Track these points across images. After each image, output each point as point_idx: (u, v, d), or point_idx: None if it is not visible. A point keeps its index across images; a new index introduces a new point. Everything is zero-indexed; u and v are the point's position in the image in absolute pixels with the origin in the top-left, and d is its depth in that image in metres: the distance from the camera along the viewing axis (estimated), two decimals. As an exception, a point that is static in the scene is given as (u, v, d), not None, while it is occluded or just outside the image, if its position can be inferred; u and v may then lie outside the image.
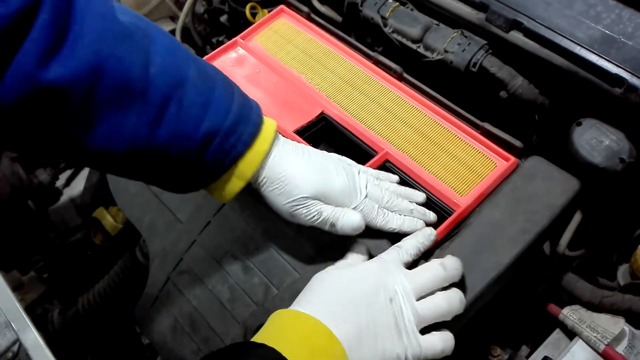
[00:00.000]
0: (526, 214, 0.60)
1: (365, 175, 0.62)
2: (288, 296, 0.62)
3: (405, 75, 0.77)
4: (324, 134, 0.76)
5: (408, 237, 0.59)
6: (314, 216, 0.58)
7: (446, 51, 0.76)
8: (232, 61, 0.83)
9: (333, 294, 0.51)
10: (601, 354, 0.59)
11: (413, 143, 0.71)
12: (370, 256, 0.59)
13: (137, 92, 0.49)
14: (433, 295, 0.53)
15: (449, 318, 0.53)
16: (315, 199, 0.58)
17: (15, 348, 0.66)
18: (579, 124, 0.71)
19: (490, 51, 0.75)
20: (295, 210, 0.58)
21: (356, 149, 0.72)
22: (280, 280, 0.64)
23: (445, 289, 0.54)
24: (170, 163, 0.54)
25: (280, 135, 0.61)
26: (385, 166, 0.70)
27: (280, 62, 0.82)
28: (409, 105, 0.75)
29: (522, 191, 0.62)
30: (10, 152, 0.99)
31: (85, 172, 1.18)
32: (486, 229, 0.60)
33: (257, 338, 0.48)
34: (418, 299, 0.53)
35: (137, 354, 0.90)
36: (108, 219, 0.96)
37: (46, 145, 0.51)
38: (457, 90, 0.78)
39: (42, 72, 0.44)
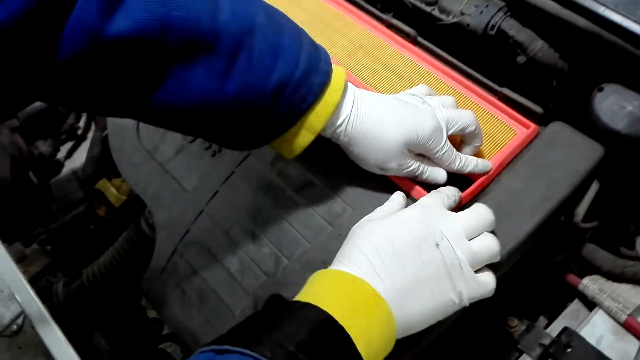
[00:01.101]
0: (547, 182, 0.57)
1: (445, 111, 0.59)
2: (299, 267, 0.60)
3: (419, 39, 0.74)
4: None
5: (443, 187, 0.57)
6: (404, 169, 0.57)
7: (462, 14, 0.72)
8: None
9: (374, 248, 0.49)
10: (623, 324, 0.58)
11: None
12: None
13: (206, 42, 0.47)
14: (483, 235, 0.51)
15: (498, 259, 0.51)
16: (407, 149, 0.56)
17: (20, 320, 0.65)
18: (601, 90, 0.68)
19: (509, 13, 0.71)
20: (387, 163, 0.56)
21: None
22: (291, 250, 0.62)
23: None
24: (238, 117, 0.52)
25: (351, 85, 0.58)
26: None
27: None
28: (423, 70, 0.72)
29: (543, 158, 0.59)
30: (10, 122, 0.97)
31: (86, 144, 1.16)
32: (505, 198, 0.58)
33: (300, 298, 0.46)
34: (470, 240, 0.50)
35: (143, 327, 0.89)
36: (111, 191, 0.94)
37: (108, 102, 0.49)
38: (473, 55, 0.75)
39: (107, 25, 0.42)
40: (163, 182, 0.72)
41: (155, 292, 0.70)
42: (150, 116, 0.51)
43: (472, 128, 0.59)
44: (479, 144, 0.61)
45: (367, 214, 0.58)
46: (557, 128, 0.61)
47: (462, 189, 0.59)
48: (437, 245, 0.49)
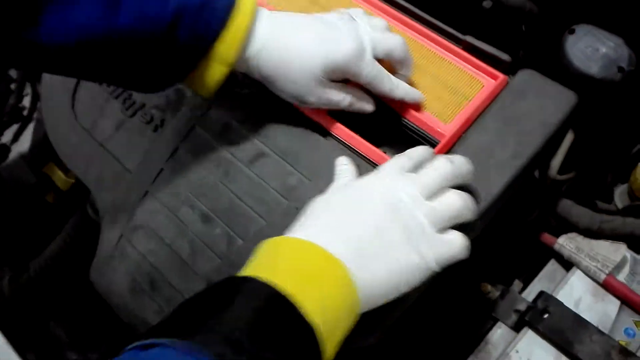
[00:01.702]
0: (517, 136, 0.52)
1: (372, 33, 0.54)
2: (255, 246, 0.55)
3: (374, -15, 0.67)
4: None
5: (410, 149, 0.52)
6: (324, 101, 0.53)
7: (421, -44, 0.66)
8: None
9: (327, 213, 0.45)
10: (602, 284, 0.54)
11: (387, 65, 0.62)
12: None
13: None
14: (446, 192, 0.46)
15: (465, 219, 0.46)
16: (326, 78, 0.51)
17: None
18: (572, 32, 0.63)
19: (471, -48, 0.65)
20: (305, 96, 0.52)
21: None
22: (245, 229, 0.56)
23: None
24: (136, 52, 0.46)
25: (264, 9, 0.52)
26: (357, 93, 0.61)
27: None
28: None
29: (512, 110, 0.54)
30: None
31: (32, 125, 1.08)
32: (473, 155, 0.52)
33: (245, 272, 0.41)
34: (429, 200, 0.46)
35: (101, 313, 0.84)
36: (59, 174, 0.87)
37: None
38: (431, 3, 0.68)
39: None
40: (104, 162, 0.66)
41: (104, 281, 0.65)
42: (36, 59, 0.45)
43: (399, 53, 0.54)
44: (408, 73, 0.56)
45: (326, 186, 0.54)
46: (526, 76, 0.56)
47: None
48: (395, 207, 0.44)
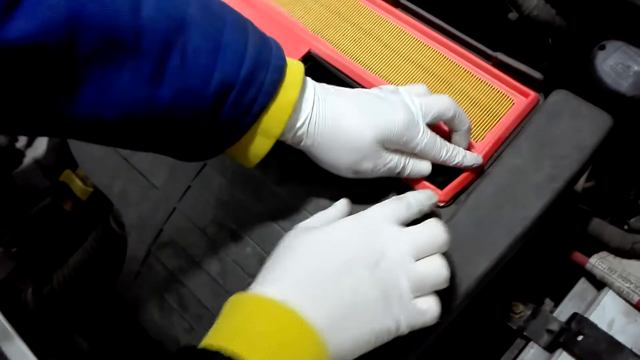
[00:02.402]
0: (553, 159, 0.52)
1: (417, 100, 0.52)
2: (286, 267, 0.55)
3: (402, 0, 0.66)
4: (314, 76, 0.66)
5: (410, 192, 0.49)
6: (380, 167, 0.50)
7: (449, -31, 0.65)
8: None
9: (303, 267, 0.42)
10: (635, 306, 0.54)
11: (418, 81, 0.62)
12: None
13: (127, 42, 0.39)
14: (432, 257, 0.44)
15: (444, 286, 0.44)
16: (380, 146, 0.49)
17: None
18: (602, 48, 0.62)
19: (500, -33, 0.64)
20: (360, 164, 0.49)
21: (351, 92, 0.63)
22: (276, 249, 0.56)
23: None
24: (177, 127, 0.45)
25: (309, 79, 0.51)
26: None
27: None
28: (408, 36, 0.65)
29: (547, 132, 0.54)
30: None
31: (47, 130, 1.07)
32: (508, 178, 0.53)
33: (211, 336, 0.38)
34: (417, 260, 0.43)
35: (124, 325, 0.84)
36: (77, 183, 0.87)
37: (15, 119, 0.41)
38: (460, 16, 0.68)
39: (3, 29, 0.34)
40: (129, 178, 0.66)
41: (131, 297, 0.65)
42: (76, 131, 0.43)
43: (450, 113, 0.52)
44: (467, 126, 0.54)
45: (359, 206, 0.53)
46: (561, 97, 0.56)
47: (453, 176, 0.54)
48: (377, 264, 0.42)
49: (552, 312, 0.58)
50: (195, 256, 0.60)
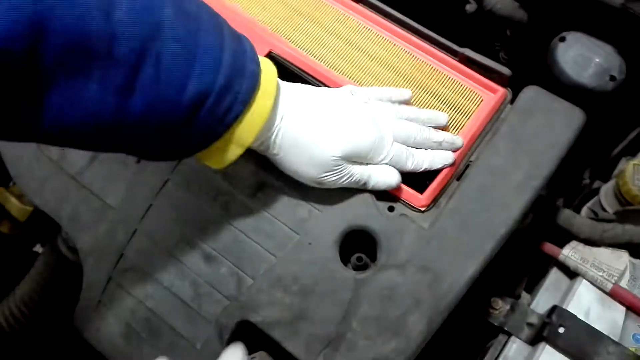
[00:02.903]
0: (530, 156, 0.52)
1: (386, 109, 0.53)
2: (267, 285, 0.52)
3: (363, -5, 0.64)
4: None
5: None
6: (344, 180, 0.50)
7: (410, -37, 0.63)
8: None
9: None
10: (609, 294, 0.56)
11: (384, 80, 0.60)
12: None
13: (98, 49, 0.36)
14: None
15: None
16: (345, 160, 0.49)
17: None
18: (563, 39, 0.63)
19: (460, -41, 0.63)
20: (324, 177, 0.49)
21: (319, 95, 0.60)
22: (254, 267, 0.53)
23: None
24: (148, 136, 0.42)
25: (282, 84, 0.49)
26: (357, 112, 0.58)
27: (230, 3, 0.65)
28: (372, 33, 0.63)
29: (522, 130, 0.53)
30: None
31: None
32: (488, 179, 0.52)
33: None
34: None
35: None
36: (12, 202, 0.78)
37: None
38: (423, 12, 0.66)
39: None
40: (80, 198, 0.59)
41: (93, 329, 0.59)
42: (34, 138, 0.39)
43: (421, 136, 0.53)
44: (443, 124, 0.56)
45: (339, 216, 0.51)
46: (532, 93, 0.55)
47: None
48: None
49: (529, 304, 0.59)
50: (163, 280, 0.56)
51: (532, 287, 0.63)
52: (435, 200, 0.53)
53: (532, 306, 0.59)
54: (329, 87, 0.58)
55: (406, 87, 0.59)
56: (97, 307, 0.59)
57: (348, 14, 0.63)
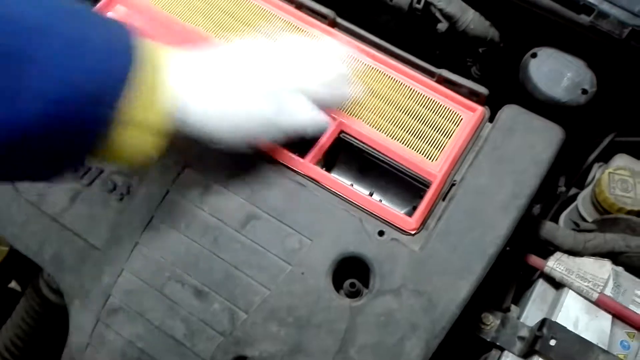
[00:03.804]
0: (514, 175, 0.53)
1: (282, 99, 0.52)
2: (261, 319, 0.52)
3: (338, 20, 0.64)
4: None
5: None
6: (275, 134, 0.52)
7: (383, -13, 0.64)
8: (115, 25, 0.64)
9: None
10: (595, 303, 0.57)
11: (364, 104, 0.60)
12: None
13: None
14: None
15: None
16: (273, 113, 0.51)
17: None
18: (534, 56, 0.65)
19: (433, -18, 0.64)
20: (255, 136, 0.52)
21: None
22: (248, 301, 0.52)
23: None
24: (42, 143, 0.41)
25: (175, 55, 0.48)
26: (341, 139, 0.59)
27: (179, 20, 0.65)
28: (349, 58, 0.63)
29: (504, 149, 0.55)
30: None
31: None
32: (474, 200, 0.53)
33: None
34: None
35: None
36: (-14, 243, 0.76)
37: None
38: (398, 34, 0.67)
39: None
40: (62, 240, 0.58)
41: (81, 374, 0.58)
42: None
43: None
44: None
45: (330, 244, 0.51)
46: (512, 112, 0.57)
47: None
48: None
49: (519, 317, 0.60)
50: (153, 320, 0.54)
51: (518, 299, 0.65)
52: (424, 223, 0.54)
53: (521, 319, 0.60)
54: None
55: (388, 110, 0.60)
56: (86, 350, 0.57)
57: (324, 39, 0.64)
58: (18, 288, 0.89)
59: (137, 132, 0.44)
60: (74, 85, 0.40)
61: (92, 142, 0.43)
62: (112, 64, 0.42)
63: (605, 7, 0.56)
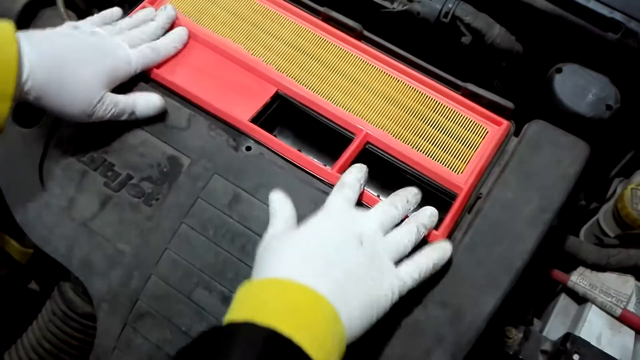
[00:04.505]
0: (541, 190, 0.54)
1: (109, 31, 0.61)
2: (288, 327, 0.52)
3: (365, 32, 0.65)
4: (284, 117, 0.64)
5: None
6: (111, 110, 0.56)
7: (410, 0, 0.65)
8: (146, 34, 0.65)
9: (299, 250, 0.46)
10: (619, 318, 0.58)
11: (390, 116, 0.61)
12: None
13: None
14: (397, 228, 0.50)
15: (419, 237, 0.50)
16: (106, 91, 0.56)
17: None
18: (559, 71, 0.66)
19: (461, -3, 0.65)
20: (93, 112, 0.55)
21: (328, 133, 0.61)
22: (274, 309, 0.53)
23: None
24: None
25: (27, 34, 0.53)
26: (367, 149, 0.59)
27: (209, 30, 0.66)
28: (376, 70, 0.64)
29: (531, 164, 0.55)
30: None
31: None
32: (501, 213, 0.53)
33: (230, 316, 0.41)
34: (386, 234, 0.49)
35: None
36: (12, 244, 0.77)
37: None
38: (424, 47, 0.68)
39: None
40: (91, 245, 0.59)
41: (107, 377, 0.58)
42: None
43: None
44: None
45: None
46: (539, 128, 0.57)
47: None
48: (361, 242, 0.47)
49: (541, 331, 0.60)
50: (181, 325, 0.55)
51: (540, 312, 0.65)
52: (450, 235, 0.54)
53: (544, 333, 0.60)
54: (340, 126, 0.60)
55: (414, 122, 0.61)
56: (113, 353, 0.58)
57: (351, 52, 0.65)
58: (36, 288, 0.90)
59: None
60: None
61: None
62: None
63: (633, 25, 0.56)
